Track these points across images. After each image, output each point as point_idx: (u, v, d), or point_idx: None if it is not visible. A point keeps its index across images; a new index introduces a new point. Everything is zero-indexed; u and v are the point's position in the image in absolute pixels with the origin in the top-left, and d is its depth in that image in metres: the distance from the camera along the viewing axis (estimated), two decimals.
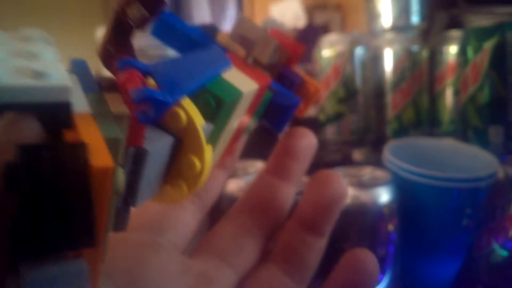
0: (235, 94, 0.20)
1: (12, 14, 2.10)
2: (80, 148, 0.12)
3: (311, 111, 0.68)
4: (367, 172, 0.44)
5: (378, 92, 0.62)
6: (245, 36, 0.25)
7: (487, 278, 0.48)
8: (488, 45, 0.46)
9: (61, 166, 0.12)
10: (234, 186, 0.46)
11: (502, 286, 0.47)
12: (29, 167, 0.12)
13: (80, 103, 0.14)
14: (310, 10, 0.89)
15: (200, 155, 0.18)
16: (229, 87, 0.20)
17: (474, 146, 0.48)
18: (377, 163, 0.46)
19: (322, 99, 0.62)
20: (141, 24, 0.16)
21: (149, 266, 0.21)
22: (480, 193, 0.42)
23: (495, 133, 0.47)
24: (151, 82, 0.17)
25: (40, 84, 0.13)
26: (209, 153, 0.19)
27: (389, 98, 0.61)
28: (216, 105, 0.19)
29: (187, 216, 0.26)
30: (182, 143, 0.18)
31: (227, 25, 2.15)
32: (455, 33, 0.61)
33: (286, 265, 0.25)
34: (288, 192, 0.27)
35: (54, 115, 0.14)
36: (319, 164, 0.49)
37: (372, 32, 0.65)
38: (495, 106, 0.47)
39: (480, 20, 0.64)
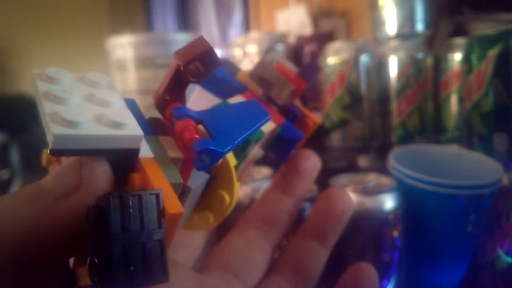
0: (259, 135, 0.23)
1: (21, 26, 2.13)
2: (157, 196, 0.14)
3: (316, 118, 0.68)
4: (372, 178, 0.44)
5: (383, 99, 0.62)
6: (264, 77, 0.27)
7: (492, 284, 0.48)
8: (492, 53, 0.47)
9: (143, 212, 0.14)
10: (241, 192, 0.46)
11: None
12: (116, 211, 0.14)
13: (143, 147, 0.17)
14: (316, 17, 0.89)
15: (231, 192, 0.21)
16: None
17: (478, 153, 0.48)
18: (382, 169, 0.46)
19: (327, 106, 0.63)
20: (197, 78, 0.18)
21: (168, 283, 0.22)
22: (484, 199, 0.42)
23: (500, 140, 0.47)
24: (201, 128, 0.19)
25: (120, 134, 0.15)
26: (238, 189, 0.21)
27: (394, 105, 0.61)
28: (243, 144, 0.21)
29: (197, 235, 0.29)
30: (215, 179, 0.21)
31: (233, 31, 2.16)
32: (460, 41, 0.62)
33: (292, 275, 0.27)
34: (293, 207, 0.29)
35: (124, 159, 0.16)
36: (324, 170, 0.50)
37: (377, 40, 0.65)
38: (500, 113, 0.47)
39: (485, 27, 0.64)
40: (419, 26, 0.62)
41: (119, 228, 0.13)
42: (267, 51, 0.68)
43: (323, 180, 0.44)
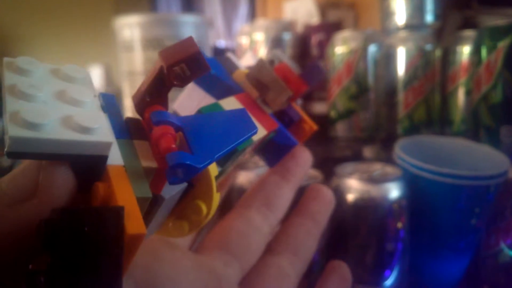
0: (247, 144, 0.22)
1: (24, 11, 2.12)
2: (118, 215, 0.13)
3: (322, 108, 0.68)
4: (378, 167, 0.44)
5: (390, 90, 0.62)
6: (260, 80, 0.26)
7: (495, 277, 0.48)
8: (503, 44, 0.46)
9: (100, 231, 0.13)
10: (244, 178, 0.46)
11: (509, 286, 0.46)
12: (70, 229, 0.12)
13: (113, 152, 0.15)
14: (323, 8, 0.89)
15: (209, 203, 0.19)
16: None
17: (485, 145, 0.48)
18: (388, 161, 0.46)
19: (333, 96, 0.62)
20: (181, 82, 0.17)
21: (165, 262, 0.21)
22: (489, 192, 0.42)
23: (507, 133, 0.47)
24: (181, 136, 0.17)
25: (86, 140, 0.14)
26: (217, 200, 0.19)
27: (401, 97, 0.61)
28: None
29: None
30: (194, 188, 0.19)
31: (238, 23, 2.15)
32: (469, 33, 0.61)
33: (291, 255, 0.27)
34: (291, 193, 0.29)
35: (90, 165, 0.15)
36: (329, 159, 0.50)
37: (385, 30, 0.65)
38: (508, 105, 0.47)
39: (494, 21, 0.64)
40: (429, 18, 0.61)
41: (69, 249, 0.12)
42: (273, 41, 0.67)
43: (329, 168, 0.44)
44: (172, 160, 0.15)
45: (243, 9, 2.19)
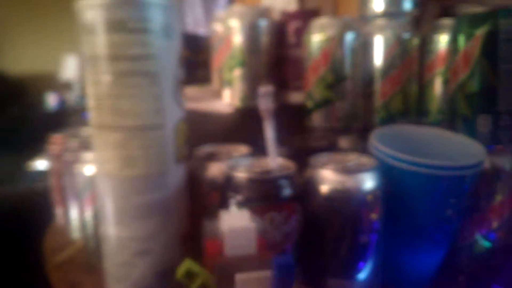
0: None
1: None
2: None
3: (298, 97, 0.67)
4: (353, 158, 0.43)
5: (367, 79, 0.61)
6: None
7: (470, 268, 0.48)
8: (480, 32, 0.45)
9: None
10: (216, 170, 0.44)
11: (484, 276, 0.46)
12: None
13: None
14: None
15: None
16: None
17: (461, 135, 0.47)
18: (363, 151, 0.45)
19: (310, 85, 0.61)
20: None
21: None
22: (465, 182, 0.41)
23: (484, 122, 0.46)
24: None
25: None
26: None
27: (378, 86, 0.60)
28: None
29: None
30: None
31: (218, 11, 2.11)
32: (447, 22, 0.60)
33: None
34: None
35: None
36: (304, 150, 0.49)
37: (363, 18, 0.63)
38: (485, 94, 0.46)
39: (472, 9, 0.63)
40: (407, 5, 0.60)
41: None
42: (249, 28, 0.65)
43: (303, 159, 0.42)
44: None
45: None
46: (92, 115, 0.40)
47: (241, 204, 0.38)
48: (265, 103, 0.39)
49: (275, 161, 0.41)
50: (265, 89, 0.39)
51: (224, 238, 0.30)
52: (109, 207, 0.40)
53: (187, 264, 0.28)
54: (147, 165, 0.39)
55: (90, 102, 0.39)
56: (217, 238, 0.31)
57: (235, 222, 0.31)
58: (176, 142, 0.41)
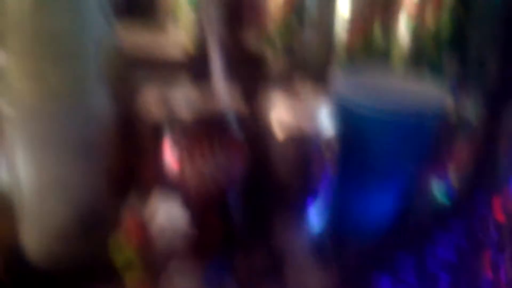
0: None
1: None
2: None
3: (256, 43, 0.63)
4: (311, 103, 0.41)
5: (330, 23, 0.58)
6: None
7: (425, 222, 0.47)
8: None
9: None
10: (157, 106, 0.41)
11: (440, 230, 0.46)
12: None
13: None
14: None
15: None
16: None
17: (424, 80, 0.45)
18: (323, 96, 0.43)
19: (270, 30, 0.57)
20: None
21: None
22: (425, 128, 0.40)
23: (450, 61, 0.44)
24: None
25: None
26: None
27: (342, 30, 0.57)
28: None
29: None
30: None
31: None
32: None
33: None
34: None
35: None
36: (259, 92, 0.45)
37: None
38: (452, 35, 0.44)
39: None
40: None
41: None
42: None
43: (258, 103, 0.40)
44: None
45: None
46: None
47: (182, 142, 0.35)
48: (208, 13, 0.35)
49: (223, 99, 0.38)
50: None
51: (156, 233, 0.31)
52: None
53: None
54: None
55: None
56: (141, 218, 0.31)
57: (168, 219, 0.32)
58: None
